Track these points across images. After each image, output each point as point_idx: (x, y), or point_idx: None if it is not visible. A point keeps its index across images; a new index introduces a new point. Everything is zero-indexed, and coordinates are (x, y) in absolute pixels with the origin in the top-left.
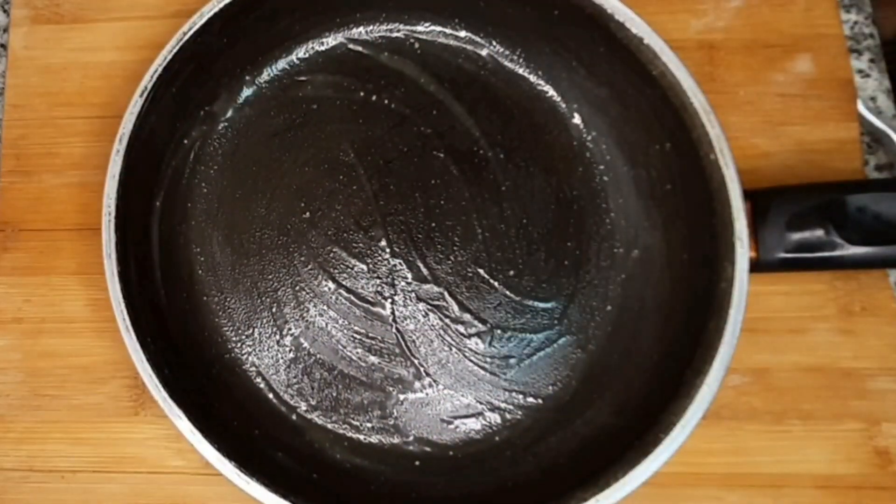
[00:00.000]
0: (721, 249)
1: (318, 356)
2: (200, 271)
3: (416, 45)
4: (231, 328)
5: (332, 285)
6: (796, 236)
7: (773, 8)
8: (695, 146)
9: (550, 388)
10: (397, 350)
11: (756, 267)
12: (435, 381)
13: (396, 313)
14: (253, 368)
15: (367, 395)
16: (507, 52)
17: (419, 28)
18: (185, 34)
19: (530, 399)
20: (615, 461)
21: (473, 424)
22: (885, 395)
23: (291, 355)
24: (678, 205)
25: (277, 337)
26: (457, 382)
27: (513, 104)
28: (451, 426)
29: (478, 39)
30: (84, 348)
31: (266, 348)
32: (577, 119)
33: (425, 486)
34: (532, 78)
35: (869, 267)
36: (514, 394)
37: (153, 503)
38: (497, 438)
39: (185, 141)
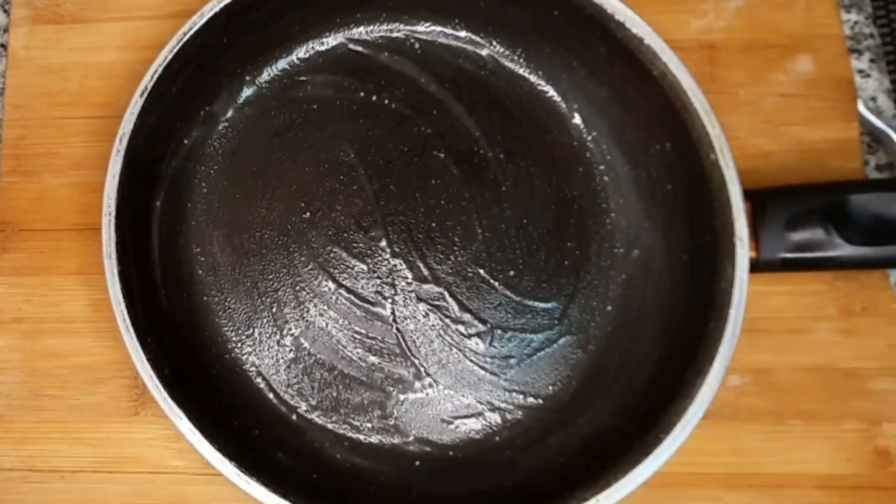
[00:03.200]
0: (721, 249)
1: (319, 356)
2: (200, 271)
3: (417, 45)
4: (231, 328)
5: (332, 285)
6: (796, 236)
7: (773, 8)
8: (695, 146)
9: (550, 388)
10: (397, 350)
11: (756, 267)
12: (435, 381)
13: (397, 313)
14: (253, 368)
15: (367, 395)
16: (507, 52)
17: (419, 28)
18: (185, 34)
19: (530, 399)
20: (615, 461)
21: (473, 424)
22: (885, 396)
23: (291, 355)
24: (678, 205)
25: (277, 337)
26: (457, 382)
27: (513, 104)
28: (451, 426)
29: (478, 39)
30: (84, 348)
31: (266, 348)
32: (577, 119)
33: (425, 486)
34: (532, 78)
35: (869, 267)
36: (514, 394)
37: (153, 503)
38: (497, 438)
39: (185, 141)
